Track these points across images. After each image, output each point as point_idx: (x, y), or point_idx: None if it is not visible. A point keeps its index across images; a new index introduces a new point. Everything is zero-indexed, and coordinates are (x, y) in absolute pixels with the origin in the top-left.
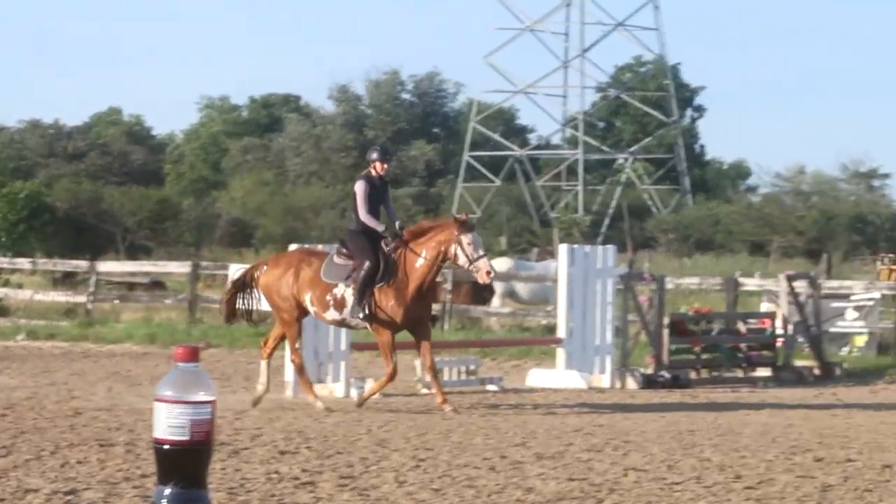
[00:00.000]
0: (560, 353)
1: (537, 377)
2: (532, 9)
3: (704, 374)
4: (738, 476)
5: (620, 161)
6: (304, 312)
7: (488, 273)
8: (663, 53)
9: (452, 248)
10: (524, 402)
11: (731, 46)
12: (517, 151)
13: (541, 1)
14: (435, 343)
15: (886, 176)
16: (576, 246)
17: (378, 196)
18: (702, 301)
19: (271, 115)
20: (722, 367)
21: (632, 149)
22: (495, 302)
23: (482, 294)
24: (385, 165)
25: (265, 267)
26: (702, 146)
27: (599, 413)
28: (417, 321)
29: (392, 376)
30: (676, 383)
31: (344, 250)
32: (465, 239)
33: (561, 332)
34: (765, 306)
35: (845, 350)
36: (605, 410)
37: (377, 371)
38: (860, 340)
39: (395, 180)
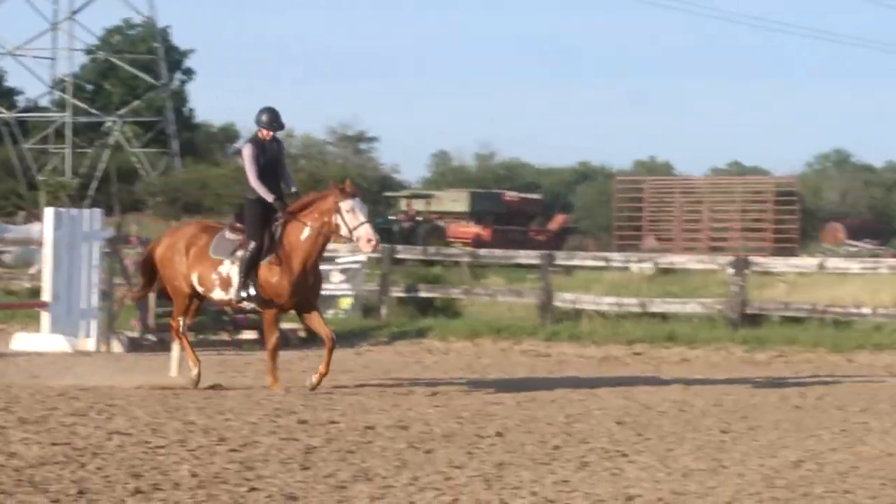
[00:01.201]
0: (45, 316)
1: (22, 341)
2: None
3: (190, 336)
4: (223, 439)
5: (109, 124)
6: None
7: (369, 241)
8: (153, 16)
9: (334, 219)
10: (8, 366)
11: (219, 9)
12: (4, 114)
13: None
14: None
15: (373, 139)
16: (62, 209)
17: (269, 159)
18: None
19: None
20: (208, 330)
21: (120, 112)
22: None
23: None
24: (272, 133)
25: (163, 239)
26: (191, 109)
27: (84, 377)
28: (305, 301)
29: (273, 355)
30: (163, 346)
31: (237, 224)
32: (345, 206)
33: (46, 296)
34: None
35: (331, 313)
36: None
37: None
38: (346, 303)
39: None
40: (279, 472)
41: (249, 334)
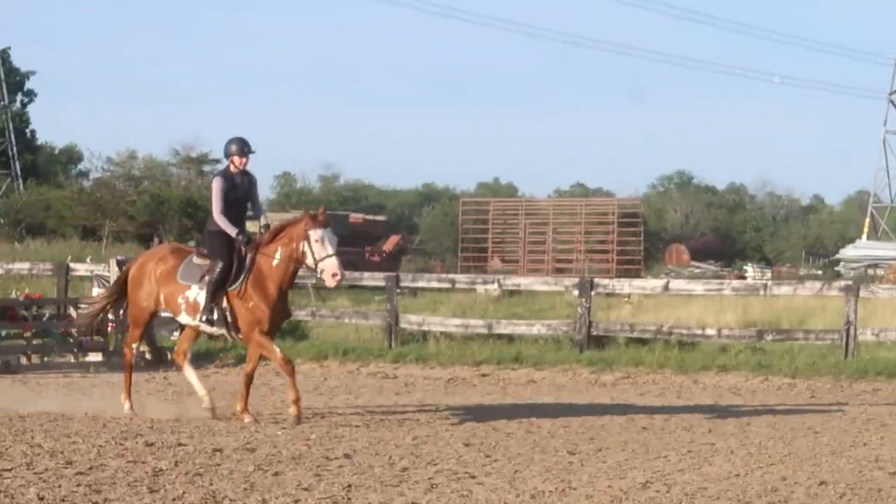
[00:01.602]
0: None
1: None
2: None
3: (36, 359)
4: (70, 462)
5: None
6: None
7: (334, 275)
8: None
9: (301, 246)
10: None
11: (61, 31)
12: None
13: None
14: None
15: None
16: None
17: (239, 193)
18: (33, 286)
19: None
20: (53, 352)
21: None
22: None
23: None
24: (244, 160)
25: (137, 259)
26: (32, 131)
27: None
28: (277, 327)
29: (290, 365)
30: (7, 369)
31: (204, 250)
32: (314, 235)
33: None
34: (96, 291)
35: (177, 335)
36: None
37: None
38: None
39: None
40: (127, 495)
41: (95, 356)
